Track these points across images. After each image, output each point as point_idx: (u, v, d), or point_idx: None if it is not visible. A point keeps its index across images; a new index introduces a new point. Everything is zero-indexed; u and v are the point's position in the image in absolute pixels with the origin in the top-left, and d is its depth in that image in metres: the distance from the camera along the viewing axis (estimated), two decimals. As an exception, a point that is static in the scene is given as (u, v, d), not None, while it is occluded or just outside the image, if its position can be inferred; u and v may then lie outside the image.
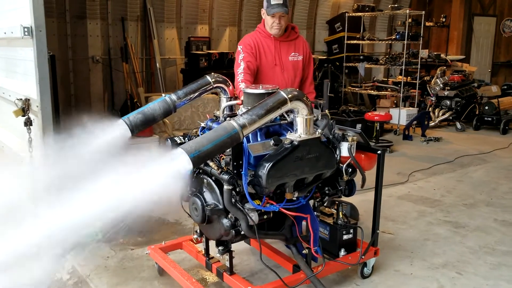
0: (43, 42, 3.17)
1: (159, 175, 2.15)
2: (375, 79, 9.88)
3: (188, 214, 2.76)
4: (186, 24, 8.85)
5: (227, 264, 2.79)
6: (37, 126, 3.37)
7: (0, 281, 2.70)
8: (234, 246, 3.06)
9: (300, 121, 2.49)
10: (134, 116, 2.73)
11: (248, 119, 2.29)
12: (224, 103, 2.94)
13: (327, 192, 2.85)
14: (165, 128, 5.97)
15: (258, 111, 2.33)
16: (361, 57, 9.42)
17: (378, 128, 7.25)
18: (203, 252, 3.03)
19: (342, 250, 3.06)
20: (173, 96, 2.84)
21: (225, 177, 2.42)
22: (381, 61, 9.37)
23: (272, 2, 3.35)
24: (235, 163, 2.45)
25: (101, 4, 7.82)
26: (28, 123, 3.39)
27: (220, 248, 2.74)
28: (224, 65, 7.74)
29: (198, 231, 3.00)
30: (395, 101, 9.22)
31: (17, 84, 3.79)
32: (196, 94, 2.94)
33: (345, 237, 3.08)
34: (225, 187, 2.45)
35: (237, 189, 2.50)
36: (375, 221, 3.12)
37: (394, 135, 8.24)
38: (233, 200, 2.49)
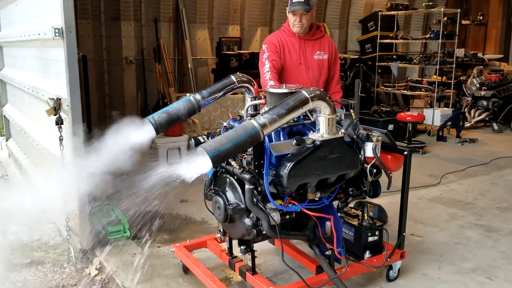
0: (73, 43, 3.26)
1: (182, 174, 2.20)
2: (408, 78, 9.67)
3: (212, 212, 2.78)
4: (217, 24, 8.92)
5: (250, 263, 2.79)
6: (68, 125, 3.46)
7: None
8: (258, 246, 3.07)
9: (322, 121, 2.46)
10: (159, 115, 2.76)
11: (268, 119, 2.28)
12: (248, 102, 2.94)
13: (351, 193, 2.81)
14: (195, 127, 6.03)
15: (279, 110, 2.32)
16: (394, 57, 9.24)
17: (410, 129, 7.09)
18: (227, 251, 3.04)
19: (367, 252, 3.01)
20: (198, 96, 2.85)
21: (247, 176, 2.42)
22: (415, 61, 9.17)
23: (294, 0, 3.35)
24: (256, 163, 2.45)
25: (135, 6, 8.00)
26: (59, 122, 3.48)
27: (242, 247, 2.75)
28: (254, 65, 7.73)
29: (221, 230, 3.02)
30: (429, 101, 9.01)
31: (50, 84, 3.91)
32: (221, 93, 2.95)
33: (370, 239, 3.03)
34: (247, 186, 2.46)
35: (259, 189, 2.50)
36: (401, 224, 3.06)
37: (427, 136, 8.06)
38: (254, 200, 2.49)
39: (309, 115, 2.74)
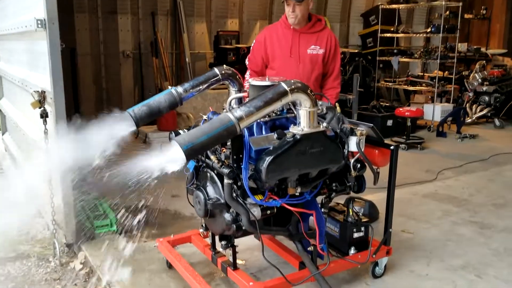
0: (56, 35, 3.22)
1: (156, 168, 2.16)
2: (409, 73, 9.55)
3: (194, 207, 2.73)
4: (216, 18, 8.86)
5: (231, 259, 2.74)
6: (52, 118, 3.42)
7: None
8: (245, 241, 3.02)
9: (303, 114, 2.40)
10: (139, 108, 2.72)
11: (245, 111, 2.22)
12: (232, 96, 2.89)
13: (334, 188, 2.75)
14: (189, 122, 5.99)
15: (256, 103, 2.27)
16: (395, 51, 9.13)
17: (409, 124, 7.00)
18: (210, 246, 3.00)
19: (352, 248, 2.95)
20: (179, 89, 2.80)
21: (225, 171, 2.37)
22: (416, 55, 9.06)
23: None
24: (235, 157, 2.40)
25: (132, -1, 7.96)
26: (44, 115, 3.45)
27: (223, 243, 2.70)
28: (252, 59, 7.69)
29: (204, 225, 2.97)
30: (430, 97, 8.90)
31: (37, 77, 3.87)
32: (204, 86, 2.89)
33: (355, 235, 2.96)
34: (225, 181, 2.41)
35: (239, 183, 2.45)
36: (387, 220, 3.00)
37: (427, 132, 7.97)
38: (234, 195, 2.44)
39: (293, 109, 2.68)
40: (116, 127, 2.64)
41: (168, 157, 2.13)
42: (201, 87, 2.89)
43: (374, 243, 3.00)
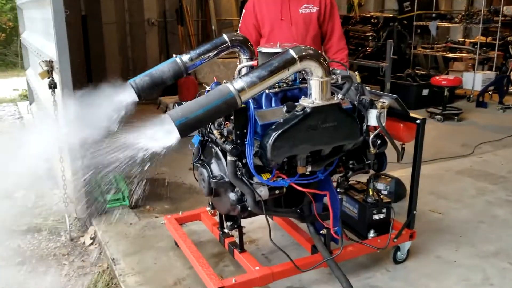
0: (59, 1, 3.04)
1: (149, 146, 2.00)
2: (449, 39, 8.95)
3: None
4: (243, -17, 8.49)
5: (238, 240, 2.57)
6: (59, 88, 3.29)
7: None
8: (259, 219, 2.83)
9: (314, 84, 2.14)
10: (141, 78, 2.52)
11: (247, 82, 1.99)
12: (241, 64, 2.66)
13: (351, 166, 2.50)
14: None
15: (260, 72, 2.02)
16: (434, 15, 8.54)
17: (446, 94, 6.57)
18: (218, 225, 2.83)
19: (372, 231, 2.71)
20: (185, 57, 2.58)
21: (228, 147, 2.17)
22: (456, 20, 8.45)
23: None
24: (238, 132, 2.19)
25: (157, -35, 7.71)
26: (52, 85, 3.32)
27: (229, 223, 2.53)
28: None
29: (211, 203, 2.80)
30: (471, 64, 8.33)
31: (48, 46, 3.75)
32: (212, 54, 2.67)
33: (375, 217, 2.72)
34: (229, 158, 2.20)
35: (244, 161, 2.24)
36: (411, 201, 2.73)
37: (467, 102, 7.51)
38: (238, 173, 2.24)
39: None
40: (118, 99, 2.48)
41: (162, 132, 1.95)
42: (208, 55, 2.67)
43: (396, 226, 2.77)
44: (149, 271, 2.77)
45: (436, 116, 6.56)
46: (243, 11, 3.33)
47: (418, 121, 2.59)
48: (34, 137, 5.65)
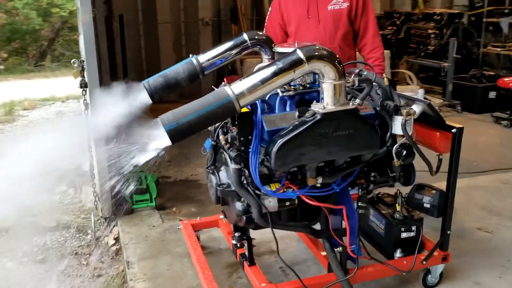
0: (87, 1, 3.03)
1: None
2: (524, 37, 8.19)
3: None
4: (299, -19, 8.27)
5: (247, 253, 2.41)
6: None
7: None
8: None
9: (326, 88, 1.93)
10: (154, 79, 2.42)
11: (247, 85, 1.82)
12: (260, 64, 2.49)
13: (372, 179, 2.25)
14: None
15: (262, 74, 1.85)
16: (506, 11, 7.84)
17: (515, 97, 5.99)
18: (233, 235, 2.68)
19: (398, 250, 2.45)
20: (201, 58, 2.47)
21: (232, 154, 2.01)
22: (532, 16, 7.71)
23: None
24: (242, 138, 2.03)
25: (213, -36, 7.69)
26: (82, 85, 3.34)
27: (237, 234, 2.37)
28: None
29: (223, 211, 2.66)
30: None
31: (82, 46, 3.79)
32: (232, 54, 2.53)
33: (403, 235, 2.45)
34: (233, 166, 2.05)
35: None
36: (445, 219, 2.43)
37: (541, 107, 6.79)
38: (244, 182, 2.08)
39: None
40: (133, 101, 2.41)
41: (151, 140, 1.83)
42: (227, 54, 2.53)
43: (429, 246, 2.48)
44: (160, 277, 2.68)
45: (502, 122, 6.01)
46: (269, 9, 3.14)
47: (454, 130, 2.30)
48: (78, 132, 5.83)
